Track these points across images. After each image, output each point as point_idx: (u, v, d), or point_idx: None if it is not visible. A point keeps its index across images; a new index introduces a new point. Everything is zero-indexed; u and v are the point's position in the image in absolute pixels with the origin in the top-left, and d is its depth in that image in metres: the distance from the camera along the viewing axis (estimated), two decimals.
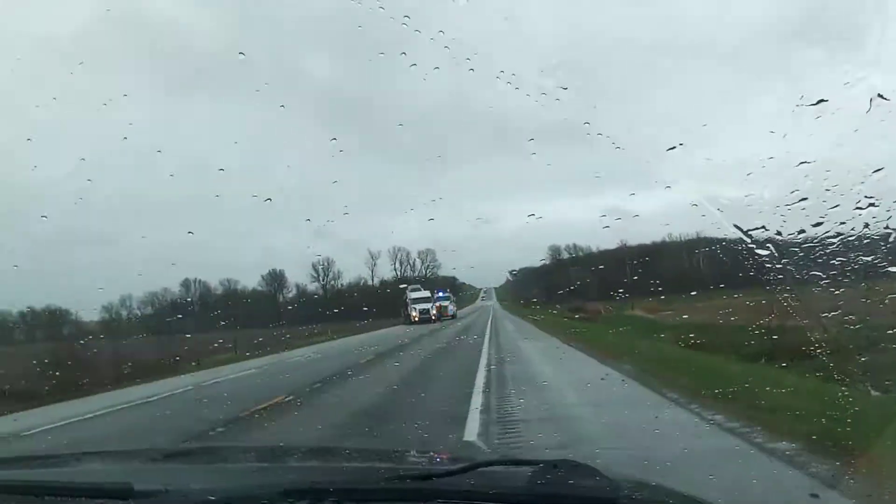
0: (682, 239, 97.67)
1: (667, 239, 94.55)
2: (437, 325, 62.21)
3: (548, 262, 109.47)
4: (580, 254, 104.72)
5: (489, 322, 57.63)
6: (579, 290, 77.49)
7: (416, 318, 72.34)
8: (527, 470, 2.13)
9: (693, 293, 55.54)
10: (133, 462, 3.19)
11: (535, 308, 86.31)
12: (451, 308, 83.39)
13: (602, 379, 15.88)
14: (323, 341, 44.13)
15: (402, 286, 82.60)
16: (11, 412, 18.13)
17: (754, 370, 14.32)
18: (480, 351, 26.05)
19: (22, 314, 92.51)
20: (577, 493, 2.00)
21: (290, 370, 25.77)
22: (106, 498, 2.11)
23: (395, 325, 70.55)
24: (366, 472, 2.74)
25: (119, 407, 18.91)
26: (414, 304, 74.90)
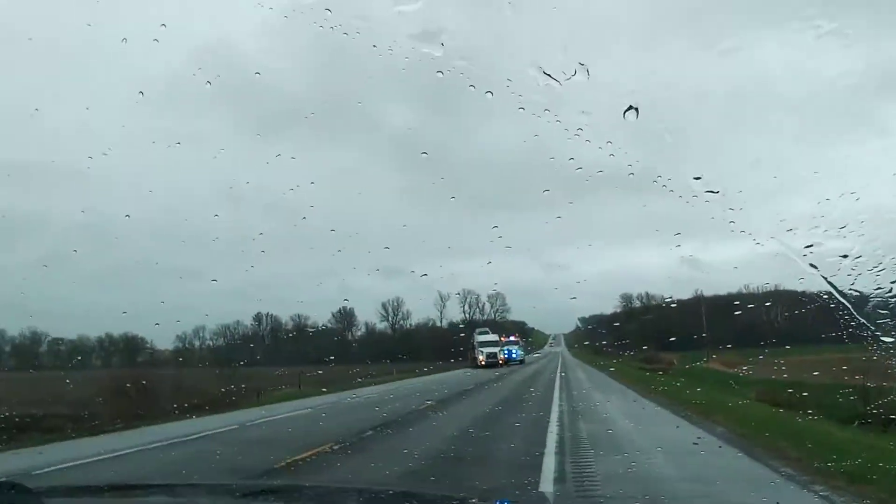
0: (760, 291, 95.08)
1: (743, 290, 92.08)
2: (504, 370, 60.31)
3: (619, 311, 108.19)
4: (652, 303, 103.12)
5: (558, 369, 55.19)
6: (650, 340, 75.78)
7: (483, 363, 68.74)
8: None
9: (770, 348, 53.67)
10: (217, 496, 3.20)
11: (604, 356, 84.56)
12: (520, 353, 79.66)
13: (695, 444, 14.24)
14: (387, 381, 43.88)
15: (470, 330, 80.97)
16: (48, 442, 17.85)
17: (859, 438, 12.95)
18: (551, 403, 24.86)
19: (100, 340, 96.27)
20: None
21: (347, 412, 24.91)
22: None
23: (460, 367, 68.48)
24: None
25: (153, 445, 17.36)
26: (481, 347, 71.31)
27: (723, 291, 72.14)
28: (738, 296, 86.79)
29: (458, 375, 51.83)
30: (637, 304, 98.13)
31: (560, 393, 29.65)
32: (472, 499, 3.47)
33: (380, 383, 41.27)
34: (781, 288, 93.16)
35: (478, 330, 77.94)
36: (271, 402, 28.40)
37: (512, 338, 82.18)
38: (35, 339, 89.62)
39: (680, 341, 64.80)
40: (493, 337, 73.82)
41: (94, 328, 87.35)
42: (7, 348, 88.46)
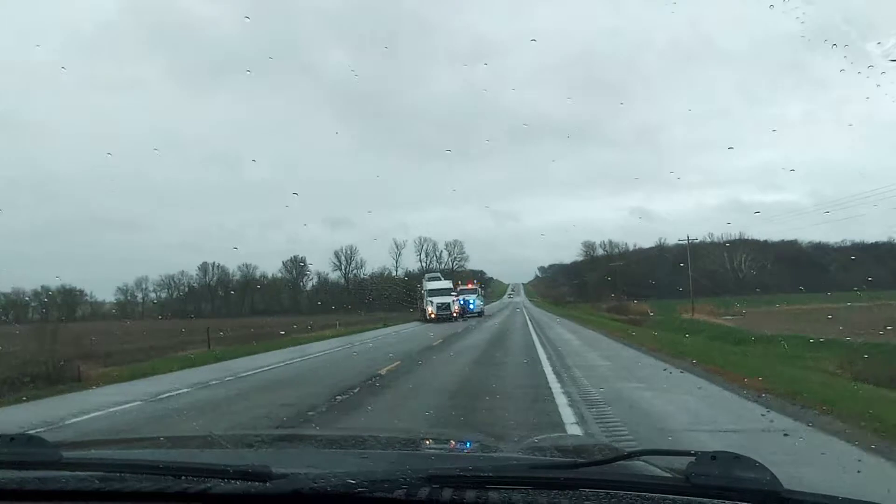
0: (723, 239, 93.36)
1: (708, 239, 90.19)
2: (459, 324, 49.52)
3: (581, 259, 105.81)
4: (616, 251, 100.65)
5: (529, 324, 45.25)
6: (616, 289, 73.00)
7: (433, 315, 57.42)
8: (683, 460, 1.93)
9: (747, 297, 51.31)
10: (257, 446, 3.00)
11: (569, 306, 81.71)
12: (478, 304, 69.08)
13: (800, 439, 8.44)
14: (324, 337, 36.90)
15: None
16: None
17: None
18: (549, 388, 13.96)
19: (36, 293, 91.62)
20: (738, 486, 1.78)
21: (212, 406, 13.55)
22: (245, 479, 1.91)
23: (410, 320, 58.97)
24: (508, 460, 2.58)
25: None
26: (431, 296, 59.51)
27: (684, 240, 69.88)
28: (702, 245, 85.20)
29: (408, 332, 42.98)
30: (600, 252, 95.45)
31: (551, 364, 18.66)
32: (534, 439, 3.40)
33: (310, 340, 33.56)
34: (746, 237, 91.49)
35: (427, 275, 66.96)
36: (122, 380, 18.80)
37: (469, 285, 71.33)
38: None
39: (647, 290, 62.01)
40: (445, 284, 62.33)
41: (29, 281, 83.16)
42: None
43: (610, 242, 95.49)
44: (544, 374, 16.24)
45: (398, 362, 19.78)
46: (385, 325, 50.82)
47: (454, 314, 58.31)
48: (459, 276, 79.78)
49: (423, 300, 60.25)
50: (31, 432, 2.29)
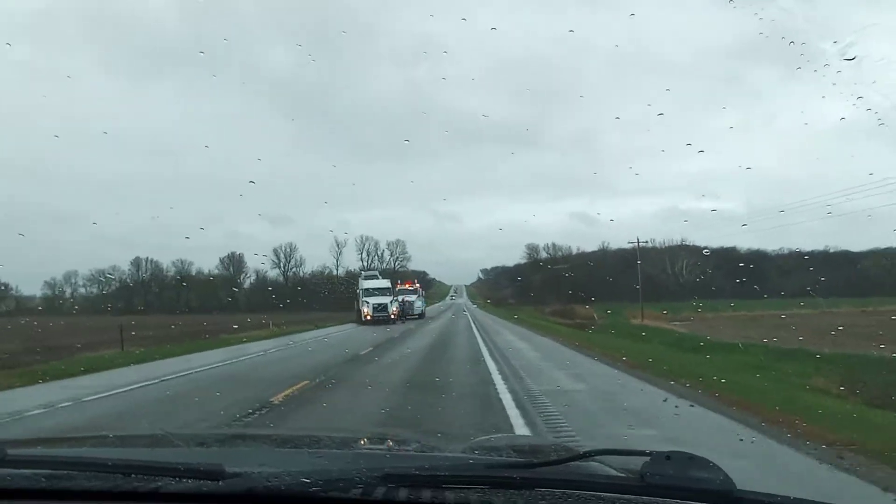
0: (663, 245, 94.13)
1: (648, 243, 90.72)
2: (398, 327, 45.80)
3: (524, 262, 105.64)
4: (559, 254, 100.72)
5: (473, 327, 42.74)
6: (559, 293, 72.65)
7: (369, 317, 52.70)
8: (637, 460, 1.93)
9: (692, 302, 51.21)
10: (209, 444, 3.02)
11: (512, 309, 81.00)
12: (419, 305, 65.02)
13: None
14: (255, 337, 33.22)
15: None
16: None
17: None
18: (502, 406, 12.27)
19: None
20: (692, 486, 1.79)
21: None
22: (196, 478, 1.88)
23: (346, 321, 54.27)
24: (464, 459, 2.55)
25: None
26: (367, 296, 54.84)
27: (626, 245, 69.87)
28: (644, 250, 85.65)
29: (343, 333, 40.26)
30: (544, 255, 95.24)
31: (500, 373, 17.22)
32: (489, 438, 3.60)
33: (224, 344, 29.70)
34: (686, 243, 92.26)
35: (364, 273, 62.71)
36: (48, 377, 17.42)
37: (408, 285, 66.92)
38: None
39: (591, 293, 61.61)
40: (383, 283, 57.99)
41: None
42: None
43: (553, 245, 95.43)
44: (503, 406, 11.94)
45: (305, 382, 15.28)
46: (316, 327, 46.92)
47: (392, 316, 53.73)
48: (401, 276, 77.67)
49: (358, 300, 55.68)
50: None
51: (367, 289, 55.23)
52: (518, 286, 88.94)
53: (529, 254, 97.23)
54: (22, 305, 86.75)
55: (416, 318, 59.18)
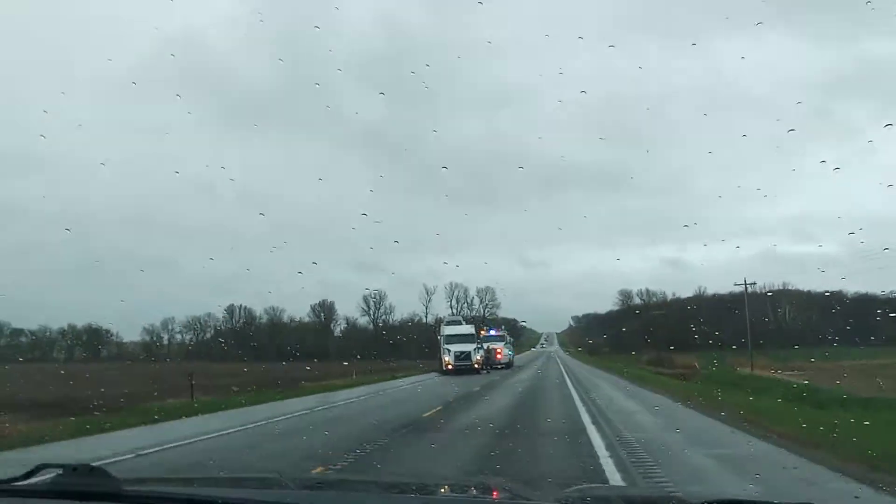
0: (763, 291, 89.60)
1: (751, 289, 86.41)
2: (480, 378, 41.36)
3: (616, 308, 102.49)
4: (653, 300, 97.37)
5: (567, 380, 37.29)
6: (656, 340, 69.51)
7: (450, 366, 48.58)
8: None
9: (799, 349, 47.64)
10: (316, 488, 2.99)
11: (605, 357, 77.97)
12: (506, 353, 59.34)
13: None
14: (332, 388, 31.76)
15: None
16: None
17: None
18: None
19: (62, 331, 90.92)
20: None
21: None
22: None
23: (430, 370, 51.04)
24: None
25: None
26: (449, 343, 50.24)
27: (724, 291, 66.37)
28: (742, 296, 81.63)
29: (418, 386, 37.29)
30: (637, 301, 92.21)
31: (629, 469, 10.88)
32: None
33: (296, 395, 28.27)
34: (790, 286, 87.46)
35: (447, 319, 58.15)
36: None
37: (494, 331, 61.22)
38: None
39: (687, 341, 58.40)
40: (466, 329, 52.49)
41: (56, 319, 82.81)
42: None
43: (647, 291, 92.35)
44: None
45: (319, 468, 10.72)
46: (393, 377, 44.34)
47: (476, 365, 48.86)
48: (489, 323, 75.45)
49: (441, 348, 51.27)
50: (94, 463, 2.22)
51: (448, 335, 51.26)
52: (611, 334, 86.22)
53: (622, 300, 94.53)
54: (122, 350, 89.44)
55: (502, 368, 54.35)
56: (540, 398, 26.63)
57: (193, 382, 25.32)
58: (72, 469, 2.15)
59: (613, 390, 30.13)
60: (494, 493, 3.14)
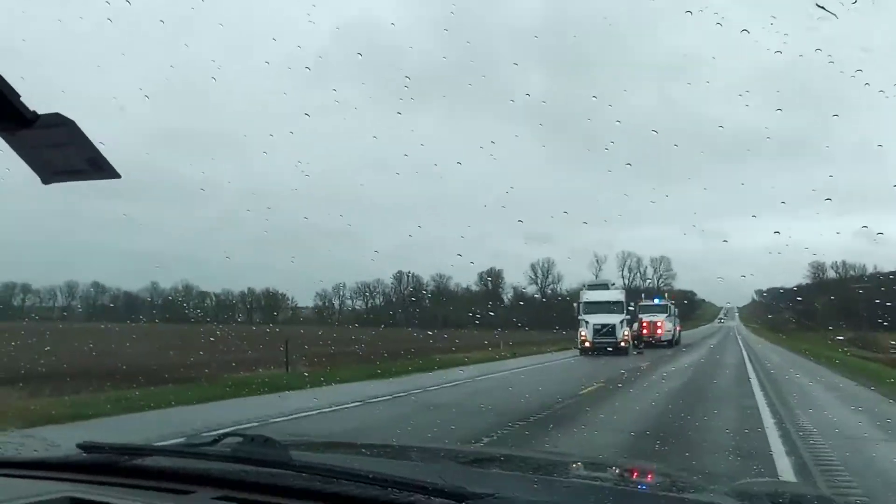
0: None
1: None
2: (627, 360, 32.89)
3: (807, 283, 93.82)
4: (850, 273, 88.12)
5: (750, 367, 28.33)
6: (853, 318, 62.40)
7: (588, 343, 38.05)
8: None
9: None
10: (434, 462, 3.05)
11: (795, 336, 70.60)
12: (671, 327, 47.21)
13: None
14: (465, 363, 26.23)
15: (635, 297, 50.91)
16: None
17: None
18: None
19: (242, 295, 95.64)
20: None
21: None
22: (441, 497, 2.03)
23: (570, 348, 40.59)
24: None
25: None
26: (588, 312, 38.92)
27: None
28: None
29: (547, 366, 30.23)
30: (832, 274, 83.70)
31: None
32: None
33: (412, 371, 24.21)
34: None
35: (588, 284, 45.96)
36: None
37: (656, 300, 49.88)
38: (187, 292, 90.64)
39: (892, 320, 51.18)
40: (612, 294, 41.17)
41: (236, 283, 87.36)
42: (160, 301, 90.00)
43: (843, 264, 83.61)
44: None
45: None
46: (530, 354, 36.63)
47: (623, 343, 38.04)
48: (661, 292, 66.78)
49: (579, 320, 39.70)
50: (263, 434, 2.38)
51: (588, 302, 39.74)
52: (801, 310, 78.86)
53: (814, 273, 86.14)
54: (296, 315, 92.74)
55: (664, 346, 43.64)
56: (705, 401, 16.88)
57: (324, 351, 23.90)
58: (250, 439, 2.33)
59: (825, 393, 19.62)
60: (650, 477, 3.12)
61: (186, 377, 18.94)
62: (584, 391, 18.53)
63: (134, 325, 55.44)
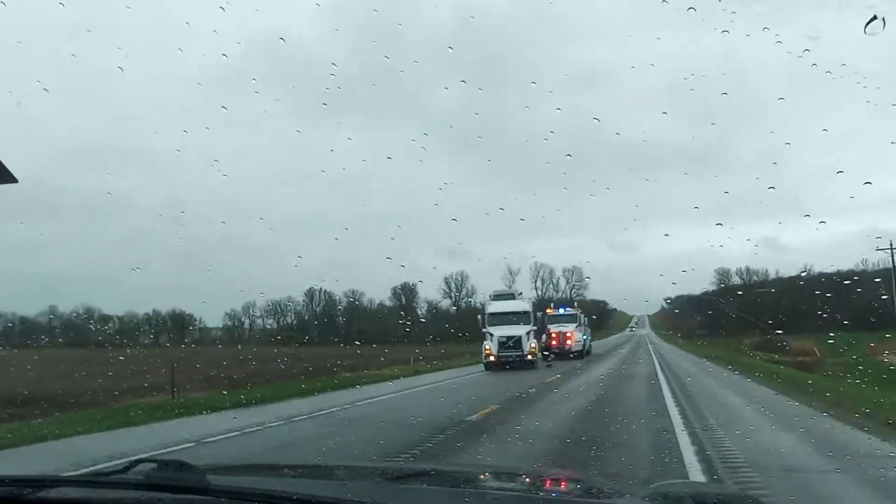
0: (874, 269, 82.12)
1: (859, 266, 79.28)
2: (534, 374, 30.49)
3: (713, 289, 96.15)
4: (754, 279, 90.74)
5: (662, 378, 26.81)
6: (758, 323, 63.91)
7: (492, 357, 35.24)
8: None
9: None
10: (361, 480, 3.11)
11: (705, 341, 72.00)
12: (581, 337, 44.73)
13: None
14: (369, 380, 26.09)
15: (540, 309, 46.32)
16: None
17: None
18: None
19: (147, 317, 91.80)
20: None
21: None
22: None
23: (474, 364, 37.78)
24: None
25: None
26: (493, 324, 36.24)
27: (831, 269, 60.13)
28: (854, 274, 74.88)
29: (433, 387, 26.00)
30: (736, 280, 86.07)
31: None
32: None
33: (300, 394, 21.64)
34: None
35: (492, 293, 40.95)
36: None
37: (563, 309, 46.90)
38: (89, 314, 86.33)
39: (802, 324, 52.32)
40: (518, 305, 38.03)
41: (140, 305, 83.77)
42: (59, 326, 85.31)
43: (747, 270, 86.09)
44: None
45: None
46: (416, 373, 33.75)
47: (529, 356, 35.41)
48: (580, 307, 66.05)
49: (484, 332, 36.65)
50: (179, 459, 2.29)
51: (493, 313, 36.76)
52: (708, 316, 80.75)
53: (719, 279, 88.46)
54: (205, 336, 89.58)
55: (573, 357, 41.50)
56: (617, 422, 14.68)
57: (227, 373, 22.69)
58: (164, 464, 2.26)
59: (735, 398, 19.69)
60: (563, 484, 3.09)
61: (67, 404, 17.41)
62: (474, 416, 15.68)
63: (31, 350, 52.16)
